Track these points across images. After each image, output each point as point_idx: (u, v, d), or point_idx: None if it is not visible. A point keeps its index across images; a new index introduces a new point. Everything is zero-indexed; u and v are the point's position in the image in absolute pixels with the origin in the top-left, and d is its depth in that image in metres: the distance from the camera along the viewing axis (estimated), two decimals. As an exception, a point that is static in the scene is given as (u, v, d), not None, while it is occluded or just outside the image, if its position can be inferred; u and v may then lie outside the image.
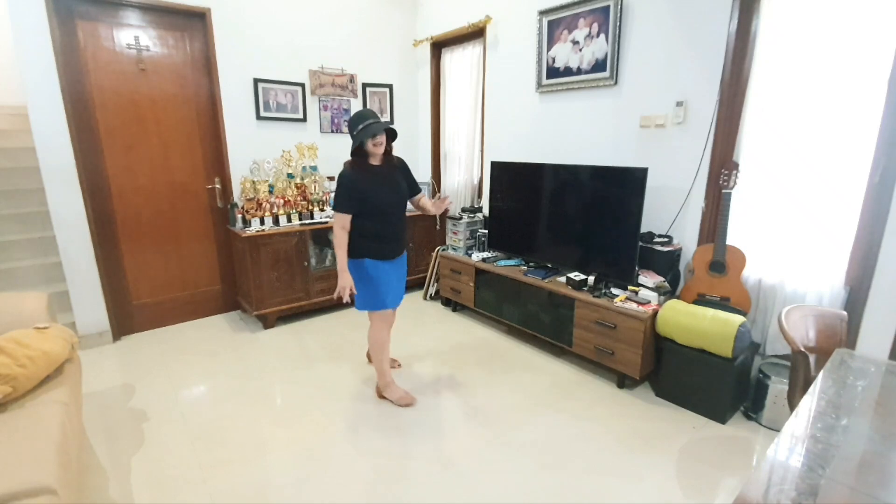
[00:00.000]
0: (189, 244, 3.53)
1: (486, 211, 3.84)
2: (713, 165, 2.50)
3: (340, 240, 2.24)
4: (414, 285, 4.25)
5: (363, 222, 2.25)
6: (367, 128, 2.13)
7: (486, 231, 3.65)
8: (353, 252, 2.28)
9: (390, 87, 4.32)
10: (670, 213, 2.73)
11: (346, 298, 2.25)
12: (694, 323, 2.28)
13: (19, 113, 3.78)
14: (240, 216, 3.43)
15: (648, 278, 2.63)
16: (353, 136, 2.17)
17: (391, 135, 2.28)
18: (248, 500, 1.81)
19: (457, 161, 4.28)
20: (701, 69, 2.47)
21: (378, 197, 2.24)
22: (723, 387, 2.26)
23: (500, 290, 3.28)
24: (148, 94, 3.18)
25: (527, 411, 2.40)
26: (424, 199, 2.48)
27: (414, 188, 2.45)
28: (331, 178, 3.94)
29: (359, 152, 2.22)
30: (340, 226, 2.23)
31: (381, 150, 2.22)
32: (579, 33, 2.97)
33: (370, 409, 2.43)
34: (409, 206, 2.47)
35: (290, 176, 3.64)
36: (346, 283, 2.24)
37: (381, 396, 2.51)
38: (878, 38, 1.95)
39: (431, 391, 2.61)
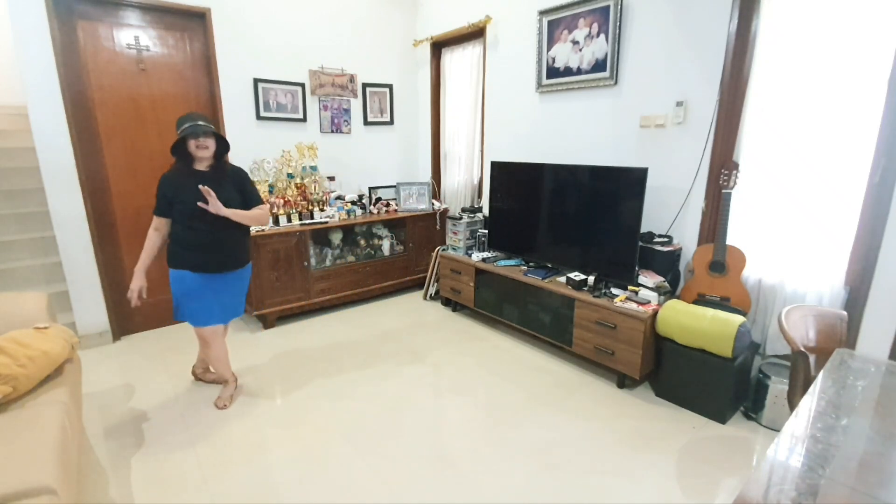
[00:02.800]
0: (189, 244, 3.52)
1: (486, 211, 3.84)
2: (713, 165, 2.50)
3: (148, 242, 2.24)
4: (414, 285, 4.25)
5: (175, 228, 2.20)
6: (191, 127, 2.08)
7: (486, 231, 3.65)
8: (170, 260, 2.24)
9: (390, 87, 4.32)
10: (670, 213, 2.73)
11: (135, 301, 2.23)
12: (694, 323, 2.28)
13: (19, 113, 3.78)
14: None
15: (648, 278, 2.63)
16: (177, 133, 2.13)
17: (224, 146, 2.22)
18: (248, 500, 1.81)
19: (457, 161, 4.28)
20: (701, 69, 2.47)
21: (187, 203, 2.11)
22: (723, 387, 2.26)
23: (500, 290, 3.28)
24: (148, 93, 3.18)
25: (527, 411, 2.40)
26: (257, 210, 2.32)
27: (250, 200, 2.29)
28: (331, 178, 3.95)
29: (181, 154, 2.15)
30: (153, 228, 2.24)
31: (206, 154, 2.15)
32: (579, 33, 2.97)
33: (370, 409, 2.43)
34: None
35: (289, 176, 3.64)
36: (135, 285, 2.23)
37: (199, 380, 2.63)
38: (878, 38, 1.95)
39: (431, 391, 2.61)
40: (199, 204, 2.06)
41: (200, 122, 2.11)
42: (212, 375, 2.67)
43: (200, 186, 2.05)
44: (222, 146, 2.23)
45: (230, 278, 2.30)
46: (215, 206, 2.08)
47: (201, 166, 2.19)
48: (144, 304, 3.36)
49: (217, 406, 2.42)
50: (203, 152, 2.13)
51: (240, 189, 2.26)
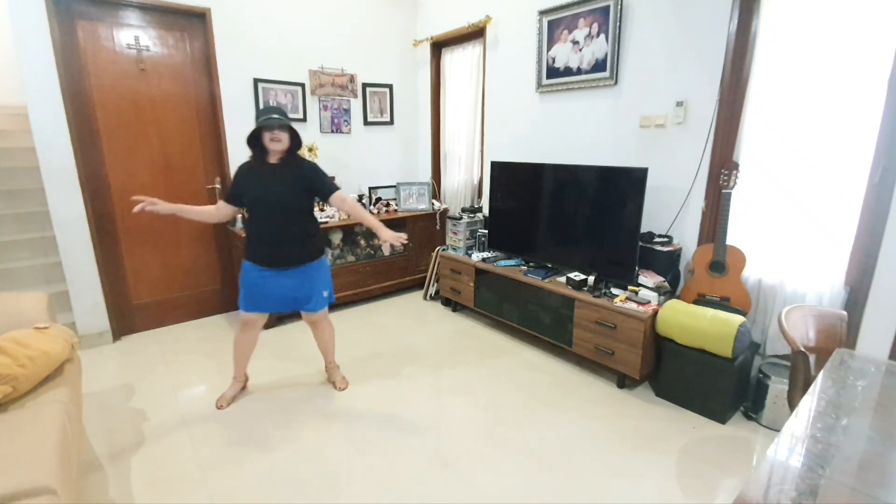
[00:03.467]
0: (189, 244, 3.53)
1: (486, 211, 3.84)
2: (713, 165, 2.50)
3: (205, 207, 2.31)
4: (414, 285, 4.25)
5: (248, 222, 2.27)
6: (266, 119, 2.11)
7: (486, 231, 3.65)
8: (245, 253, 2.30)
9: (390, 87, 4.32)
10: (670, 213, 2.73)
11: (139, 206, 2.06)
12: (694, 323, 2.28)
13: (19, 113, 3.78)
14: (239, 216, 3.43)
15: (648, 278, 2.63)
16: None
17: (297, 141, 2.23)
18: (248, 500, 1.81)
19: (457, 161, 4.28)
20: (701, 69, 2.47)
21: (257, 194, 2.17)
22: (723, 387, 2.26)
23: (500, 290, 3.28)
24: (148, 94, 3.18)
25: (527, 411, 2.40)
26: (351, 201, 2.35)
27: (324, 190, 2.28)
28: (331, 178, 3.95)
29: (256, 146, 2.19)
30: (217, 206, 2.29)
31: (279, 147, 2.16)
32: (579, 33, 2.97)
33: (370, 409, 2.43)
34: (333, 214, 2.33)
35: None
36: (165, 208, 2.12)
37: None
38: (878, 38, 1.95)
39: (431, 391, 2.61)
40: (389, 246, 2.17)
41: (275, 115, 2.13)
42: (334, 376, 2.66)
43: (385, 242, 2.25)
44: (296, 140, 2.23)
45: (294, 273, 2.29)
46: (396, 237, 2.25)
47: (273, 159, 2.21)
48: (145, 305, 3.39)
49: (216, 405, 2.42)
50: (276, 145, 2.15)
51: (309, 186, 2.25)
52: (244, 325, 2.39)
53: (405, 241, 2.30)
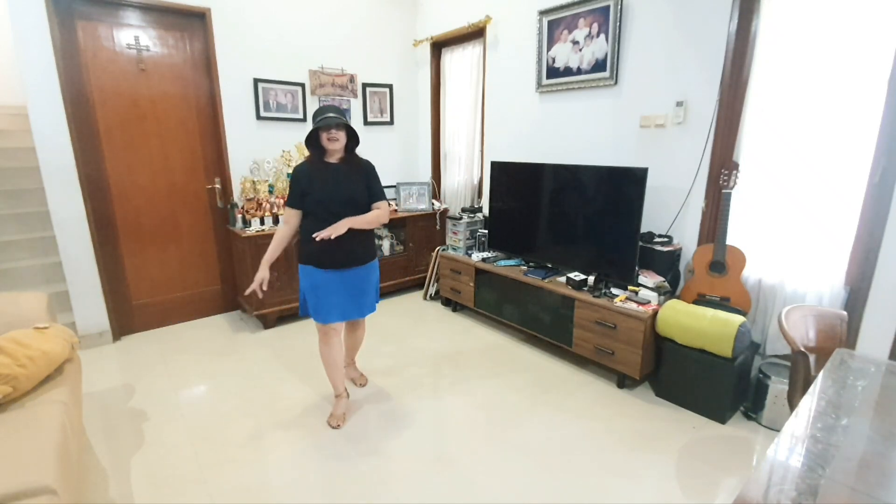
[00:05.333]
0: (189, 244, 3.53)
1: (486, 211, 3.84)
2: (713, 165, 2.50)
3: (277, 234, 2.21)
4: (414, 285, 4.25)
5: (307, 223, 2.17)
6: (323, 119, 2.09)
7: (486, 231, 3.65)
8: (300, 256, 2.22)
9: (390, 87, 4.32)
10: (670, 213, 2.73)
11: (257, 291, 2.16)
12: (694, 323, 2.28)
13: (19, 113, 3.79)
14: (240, 216, 3.43)
15: (648, 278, 2.63)
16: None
17: (354, 137, 2.20)
18: (248, 500, 1.81)
19: (457, 161, 4.28)
20: (701, 69, 2.47)
21: (321, 195, 2.12)
22: (723, 387, 2.26)
23: (500, 290, 3.28)
24: (148, 94, 3.18)
25: (527, 411, 2.40)
26: (380, 208, 2.26)
27: (375, 194, 2.24)
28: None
29: (315, 146, 2.16)
30: (284, 220, 2.22)
31: (337, 146, 2.13)
32: (579, 33, 2.97)
33: (371, 409, 2.43)
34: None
35: (289, 176, 3.63)
36: (260, 276, 2.16)
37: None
38: (878, 38, 1.95)
39: (431, 391, 2.61)
40: (316, 235, 2.03)
41: (332, 115, 2.10)
42: (352, 373, 2.66)
43: (315, 235, 2.03)
44: (353, 139, 2.21)
45: (356, 274, 2.24)
46: (335, 231, 2.05)
47: (332, 159, 2.18)
48: (145, 305, 3.39)
49: (330, 425, 2.28)
50: (334, 144, 2.12)
51: (368, 184, 2.23)
52: (325, 335, 2.24)
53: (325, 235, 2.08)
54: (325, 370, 2.36)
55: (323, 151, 2.17)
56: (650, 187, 2.63)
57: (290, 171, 3.63)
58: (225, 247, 3.67)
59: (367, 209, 2.21)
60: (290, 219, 2.20)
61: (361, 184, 2.21)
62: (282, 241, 2.22)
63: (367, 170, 2.27)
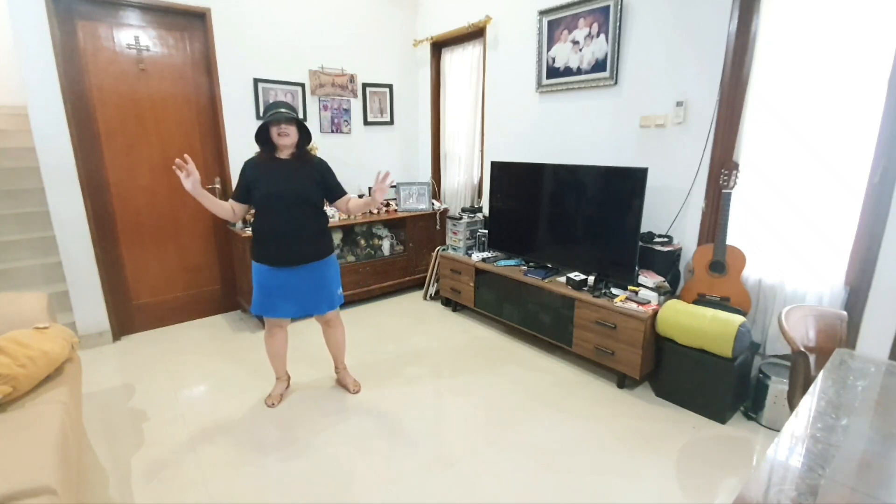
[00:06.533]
0: (189, 244, 3.53)
1: (486, 211, 3.84)
2: (713, 165, 2.50)
3: (216, 203, 2.14)
4: (414, 285, 4.25)
5: (256, 220, 2.18)
6: (273, 114, 2.08)
7: (486, 231, 3.65)
8: (253, 254, 2.23)
9: (390, 87, 4.32)
10: (670, 213, 2.73)
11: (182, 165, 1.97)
12: (694, 323, 2.28)
13: (19, 113, 3.79)
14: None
15: (648, 278, 2.63)
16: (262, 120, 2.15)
17: (306, 135, 2.20)
18: (248, 500, 1.81)
19: (457, 161, 4.28)
20: (701, 69, 2.47)
21: (268, 189, 2.11)
22: (723, 387, 2.26)
23: (500, 290, 3.28)
24: (148, 94, 3.18)
25: (527, 411, 2.40)
26: (354, 199, 2.30)
27: (334, 191, 2.27)
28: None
29: (264, 141, 2.15)
30: (226, 206, 2.19)
31: (287, 142, 2.12)
32: (579, 33, 2.97)
33: (370, 409, 2.43)
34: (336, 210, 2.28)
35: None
36: (191, 168, 1.99)
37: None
38: (878, 38, 1.95)
39: (431, 391, 2.61)
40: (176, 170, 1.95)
41: (283, 110, 2.09)
42: (345, 379, 2.63)
43: (381, 176, 2.07)
44: (304, 135, 2.20)
45: (311, 270, 2.24)
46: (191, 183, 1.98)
47: (283, 154, 2.17)
48: (145, 305, 3.39)
49: (266, 403, 2.44)
50: (284, 139, 2.11)
51: (321, 181, 2.22)
52: (269, 329, 2.36)
53: (392, 183, 2.23)
54: (268, 358, 2.47)
55: (273, 147, 2.15)
56: (650, 187, 2.63)
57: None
58: (225, 247, 3.67)
59: (313, 207, 2.21)
60: (235, 208, 2.19)
61: (312, 181, 2.18)
62: (218, 207, 2.15)
63: (321, 168, 2.25)
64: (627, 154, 2.87)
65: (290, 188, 2.12)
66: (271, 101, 3.61)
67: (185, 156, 1.99)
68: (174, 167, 1.96)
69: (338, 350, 2.57)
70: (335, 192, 2.28)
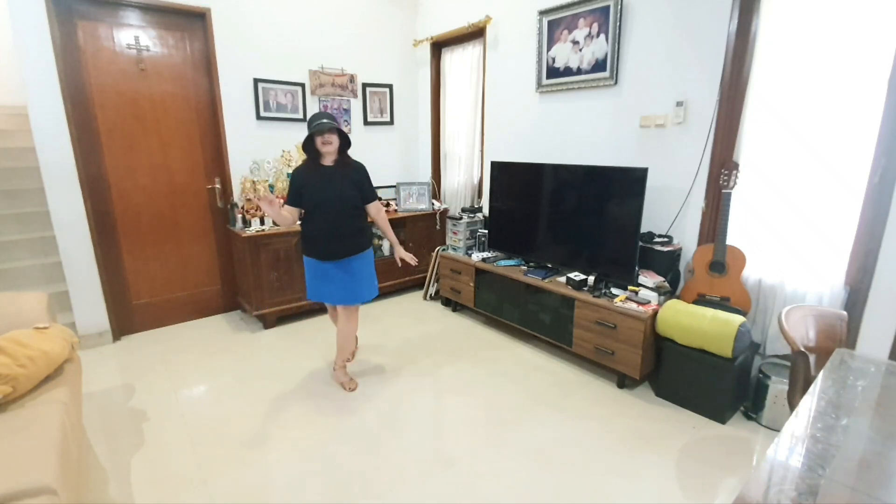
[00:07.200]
0: (189, 244, 3.53)
1: (486, 211, 3.84)
2: (713, 165, 2.50)
3: (279, 218, 2.34)
4: (414, 285, 4.25)
5: (305, 220, 2.45)
6: (317, 125, 2.31)
7: (486, 231, 3.65)
8: (303, 249, 2.51)
9: (390, 87, 4.32)
10: (670, 213, 2.73)
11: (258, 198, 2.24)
12: (694, 323, 2.28)
13: (19, 113, 3.79)
14: (240, 216, 3.43)
15: (648, 278, 2.63)
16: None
17: (346, 141, 2.43)
18: (248, 500, 1.81)
19: (457, 161, 4.28)
20: (701, 69, 2.47)
21: (315, 195, 2.36)
22: (723, 387, 2.26)
23: (500, 290, 3.28)
24: (148, 94, 3.18)
25: (527, 411, 2.40)
26: (383, 215, 2.64)
27: (367, 195, 2.51)
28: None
29: (310, 150, 2.38)
30: (284, 215, 2.40)
31: (330, 149, 2.35)
32: (579, 33, 2.97)
33: (371, 409, 2.43)
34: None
35: (289, 176, 3.64)
36: (268, 197, 2.21)
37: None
38: (878, 38, 1.95)
39: (431, 391, 2.61)
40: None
41: (325, 121, 2.32)
42: (341, 377, 2.70)
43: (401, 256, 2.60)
44: (345, 142, 2.43)
45: (349, 263, 2.48)
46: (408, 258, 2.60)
47: (327, 161, 2.41)
48: (145, 305, 3.39)
49: (345, 388, 2.62)
50: (328, 147, 2.34)
51: (358, 184, 2.46)
52: (330, 312, 2.76)
53: (416, 263, 2.62)
54: (343, 343, 2.66)
55: (319, 154, 2.39)
56: (650, 187, 2.63)
57: (290, 171, 3.64)
58: (225, 247, 3.67)
59: (358, 208, 2.48)
60: (290, 214, 2.44)
61: (353, 185, 2.44)
62: (284, 219, 2.41)
63: (359, 172, 2.49)
64: (627, 154, 2.87)
65: (332, 194, 2.38)
66: (271, 101, 3.62)
67: (271, 195, 2.26)
68: (258, 200, 2.21)
69: (346, 342, 2.63)
70: (367, 196, 2.52)
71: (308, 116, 3.84)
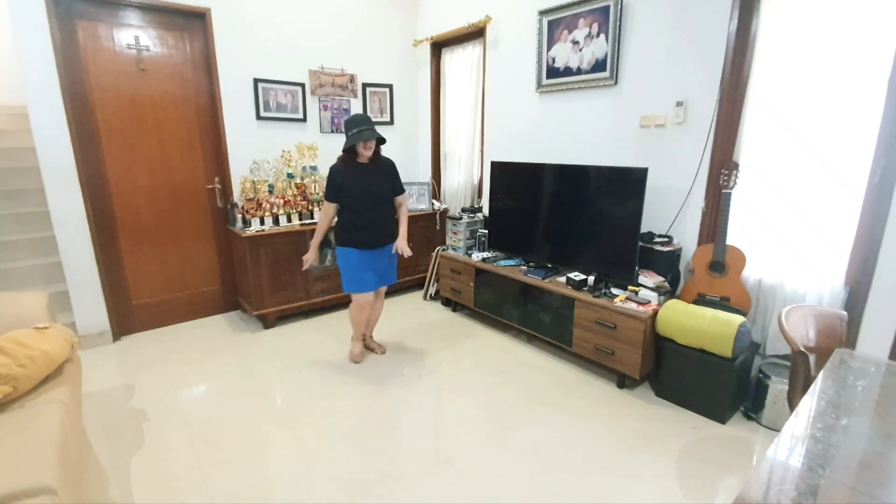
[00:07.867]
0: (189, 244, 3.53)
1: (486, 211, 3.84)
2: (713, 165, 2.50)
3: (320, 223, 2.75)
4: (414, 285, 4.25)
5: (344, 213, 2.67)
6: (360, 133, 2.50)
7: (486, 231, 3.65)
8: (338, 240, 2.72)
9: (390, 87, 4.32)
10: (670, 213, 2.73)
11: (305, 266, 2.81)
12: (694, 323, 2.28)
13: (19, 113, 3.79)
14: (240, 216, 3.43)
15: (648, 278, 2.63)
16: (347, 137, 2.53)
17: (381, 140, 2.62)
18: (248, 500, 1.81)
19: (457, 161, 4.28)
20: (701, 69, 2.47)
21: (354, 190, 2.60)
22: (723, 387, 2.26)
23: (500, 290, 3.28)
24: (148, 94, 3.18)
25: (527, 411, 2.40)
26: (405, 208, 2.83)
27: (395, 189, 2.75)
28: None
29: (348, 150, 2.56)
30: (324, 212, 2.72)
31: (370, 153, 2.58)
32: (579, 33, 2.97)
33: (371, 408, 2.43)
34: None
35: (290, 176, 3.64)
36: (309, 256, 2.79)
37: (367, 348, 3.06)
38: (878, 38, 1.95)
39: (431, 390, 2.61)
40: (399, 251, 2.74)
41: (367, 128, 2.51)
42: (372, 344, 3.07)
43: (397, 251, 2.75)
44: (380, 141, 2.64)
45: (385, 251, 2.76)
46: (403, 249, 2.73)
47: (362, 159, 2.61)
48: (145, 305, 3.39)
49: (352, 361, 2.90)
50: (368, 151, 2.58)
51: (391, 178, 2.73)
52: (361, 307, 2.78)
53: (409, 255, 2.76)
54: (352, 327, 2.91)
55: (355, 153, 2.58)
56: (650, 187, 2.63)
57: (290, 171, 3.65)
58: (225, 247, 3.67)
59: (390, 199, 2.75)
60: (329, 210, 2.70)
61: (385, 180, 2.70)
62: (323, 229, 2.75)
63: (391, 167, 2.75)
64: (627, 154, 2.87)
65: (370, 190, 2.63)
66: (271, 101, 3.62)
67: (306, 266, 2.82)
68: (306, 260, 2.79)
69: (376, 319, 3.01)
70: (398, 189, 2.78)
71: (308, 116, 3.84)
